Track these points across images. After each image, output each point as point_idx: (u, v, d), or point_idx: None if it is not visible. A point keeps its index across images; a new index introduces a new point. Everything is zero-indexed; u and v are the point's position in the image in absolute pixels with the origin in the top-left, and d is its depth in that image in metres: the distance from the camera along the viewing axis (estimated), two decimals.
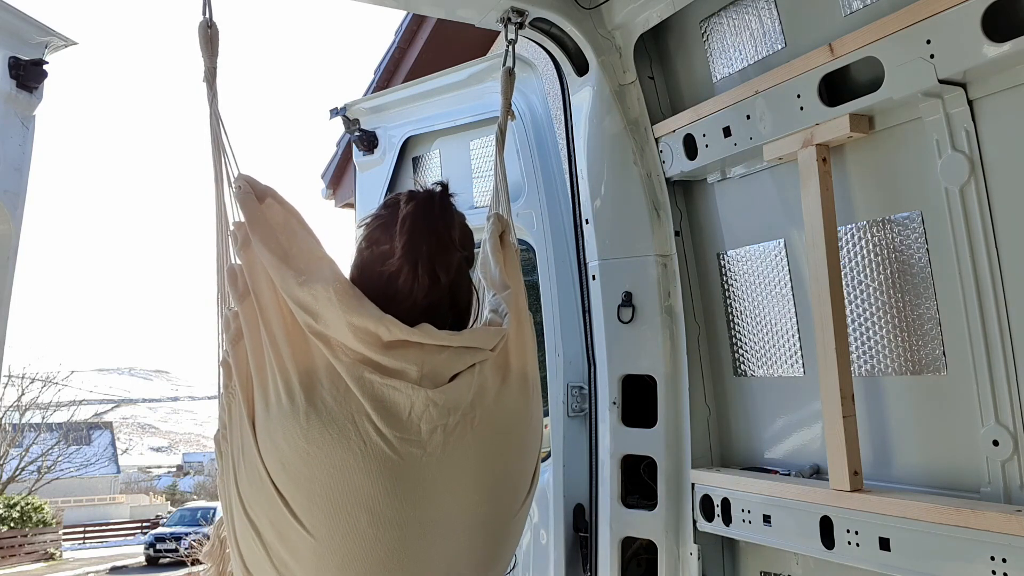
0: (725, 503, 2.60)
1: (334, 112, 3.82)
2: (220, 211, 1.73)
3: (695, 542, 2.71)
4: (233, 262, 1.64)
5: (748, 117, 2.47)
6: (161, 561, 24.11)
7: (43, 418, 31.72)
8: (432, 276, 1.53)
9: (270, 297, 1.55)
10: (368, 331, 1.46)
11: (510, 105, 2.42)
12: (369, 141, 3.82)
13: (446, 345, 1.50)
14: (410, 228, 1.54)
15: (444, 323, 1.55)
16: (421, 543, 1.48)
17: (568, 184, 3.09)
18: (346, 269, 1.61)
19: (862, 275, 2.33)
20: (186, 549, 19.79)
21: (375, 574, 1.46)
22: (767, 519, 2.45)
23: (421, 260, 1.52)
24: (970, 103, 2.00)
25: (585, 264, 3.00)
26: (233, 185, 1.69)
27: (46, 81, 2.45)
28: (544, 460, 3.18)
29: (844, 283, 2.31)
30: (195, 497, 41.14)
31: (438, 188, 1.61)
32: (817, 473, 2.47)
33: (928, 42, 1.98)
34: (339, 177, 8.45)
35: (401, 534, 1.46)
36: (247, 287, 1.58)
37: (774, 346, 2.62)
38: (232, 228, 1.65)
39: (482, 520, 1.57)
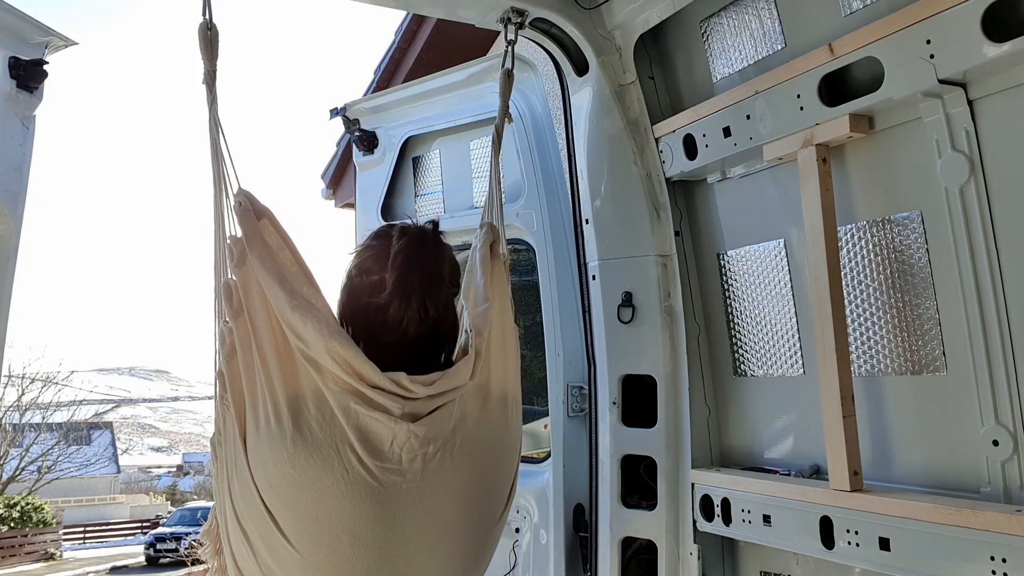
0: (725, 503, 2.60)
1: (334, 112, 3.82)
2: (218, 218, 1.72)
3: (695, 542, 2.71)
4: (228, 277, 1.65)
5: (748, 117, 2.47)
6: (161, 561, 24.10)
7: (43, 418, 31.64)
8: (422, 311, 1.58)
9: (263, 318, 1.57)
10: (351, 366, 1.51)
11: (507, 107, 2.41)
12: (369, 141, 3.82)
13: (420, 397, 1.54)
14: (403, 263, 1.59)
15: (428, 354, 1.62)
16: (400, 560, 1.55)
17: (568, 184, 3.09)
18: (333, 298, 1.65)
19: (862, 275, 2.33)
20: (186, 549, 19.79)
21: None
22: (767, 519, 2.45)
23: (412, 295, 1.57)
24: (970, 103, 2.00)
25: (585, 264, 2.99)
26: (233, 200, 1.69)
27: (46, 81, 2.45)
28: (544, 460, 3.18)
29: (844, 283, 2.30)
30: (195, 497, 41.15)
31: (429, 225, 1.68)
32: (817, 473, 2.47)
33: (928, 42, 1.98)
34: (339, 177, 8.46)
35: (381, 553, 1.53)
36: (241, 304, 1.60)
37: (774, 346, 2.62)
38: (228, 242, 1.66)
39: (461, 536, 1.63)
